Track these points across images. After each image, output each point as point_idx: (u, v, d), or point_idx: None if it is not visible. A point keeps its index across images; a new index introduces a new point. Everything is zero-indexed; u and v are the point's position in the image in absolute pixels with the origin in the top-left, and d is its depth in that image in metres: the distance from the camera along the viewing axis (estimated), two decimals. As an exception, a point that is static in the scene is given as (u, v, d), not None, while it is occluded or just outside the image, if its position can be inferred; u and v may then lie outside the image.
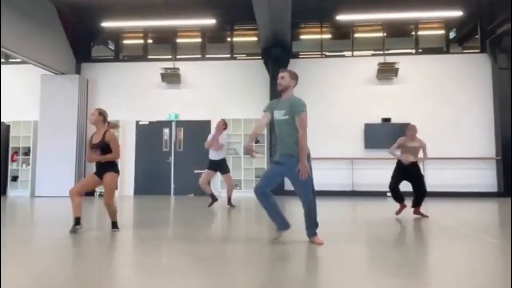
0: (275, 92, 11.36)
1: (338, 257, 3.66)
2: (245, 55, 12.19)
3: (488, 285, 2.83)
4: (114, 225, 5.00)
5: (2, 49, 8.90)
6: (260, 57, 11.59)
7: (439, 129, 10.88)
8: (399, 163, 6.66)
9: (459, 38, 11.75)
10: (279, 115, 4.31)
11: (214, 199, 7.91)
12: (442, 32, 11.63)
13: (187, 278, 2.95)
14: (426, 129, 10.85)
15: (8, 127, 11.54)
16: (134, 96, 11.78)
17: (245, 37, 12.45)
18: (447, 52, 11.54)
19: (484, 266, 3.39)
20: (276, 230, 4.30)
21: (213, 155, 7.83)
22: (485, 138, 10.75)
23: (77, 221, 4.81)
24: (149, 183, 11.43)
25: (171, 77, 11.53)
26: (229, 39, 12.19)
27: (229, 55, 12.04)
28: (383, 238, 4.71)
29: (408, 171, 6.57)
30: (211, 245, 4.16)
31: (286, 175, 4.18)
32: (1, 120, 11.23)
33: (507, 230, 5.57)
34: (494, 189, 10.54)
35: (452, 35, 11.63)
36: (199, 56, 12.07)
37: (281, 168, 4.14)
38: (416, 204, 6.48)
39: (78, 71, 11.85)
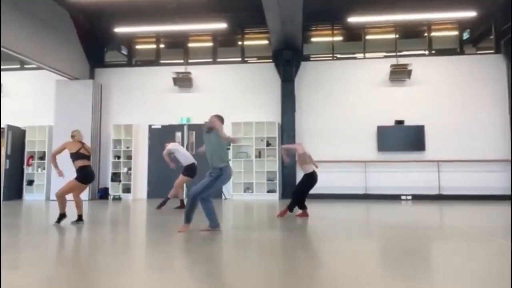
0: (287, 95, 11.49)
1: (353, 259, 3.62)
2: (256, 58, 12.21)
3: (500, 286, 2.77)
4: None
5: (18, 55, 9.07)
6: (271, 60, 11.60)
7: (453, 131, 10.73)
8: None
9: (473, 39, 11.59)
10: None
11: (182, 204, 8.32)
12: (455, 33, 11.49)
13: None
14: (440, 131, 10.76)
15: (23, 131, 11.74)
16: (146, 100, 11.89)
17: (256, 41, 12.48)
18: (461, 53, 11.39)
19: (497, 268, 3.32)
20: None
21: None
22: (500, 140, 10.57)
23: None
24: (162, 186, 11.47)
25: (183, 81, 11.61)
26: (240, 43, 12.23)
27: (240, 59, 12.07)
28: (396, 241, 4.64)
29: None
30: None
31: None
32: (17, 125, 11.44)
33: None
34: (509, 192, 10.33)
35: (465, 36, 11.48)
36: (211, 60, 12.14)
37: None
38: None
39: (91, 76, 12.01)
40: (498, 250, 4.14)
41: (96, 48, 12.21)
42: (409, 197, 10.54)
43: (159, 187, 11.52)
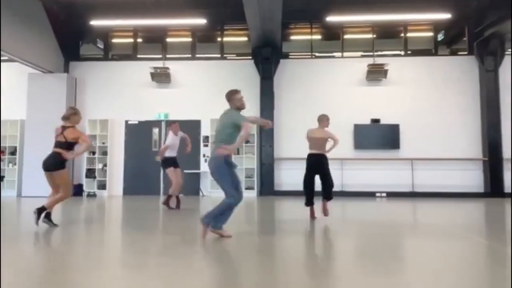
0: (266, 92, 11.52)
1: (328, 255, 3.67)
2: (235, 55, 12.17)
3: (475, 283, 2.86)
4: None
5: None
6: (250, 57, 11.58)
7: (427, 130, 10.99)
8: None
9: (448, 40, 11.90)
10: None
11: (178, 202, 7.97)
12: (430, 34, 11.76)
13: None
14: (414, 130, 11.01)
15: (-6, 126, 11.34)
16: (123, 95, 11.68)
17: (235, 37, 12.43)
18: (436, 54, 11.67)
19: (471, 265, 3.43)
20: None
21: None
22: (472, 139, 10.90)
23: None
24: (139, 183, 11.34)
25: (161, 77, 11.46)
26: (219, 39, 12.16)
27: (219, 55, 12.01)
28: (371, 239, 4.73)
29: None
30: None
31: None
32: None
33: (494, 230, 5.65)
34: (481, 189, 10.69)
35: (440, 37, 11.77)
36: (189, 55, 12.02)
37: None
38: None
39: (66, 69, 11.70)
40: (471, 247, 4.27)
41: (71, 40, 11.89)
42: (384, 194, 10.76)
43: (135, 183, 11.37)
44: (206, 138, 11.32)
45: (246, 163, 11.08)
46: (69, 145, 5.42)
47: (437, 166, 10.82)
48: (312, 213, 6.25)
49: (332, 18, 11.00)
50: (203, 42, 12.41)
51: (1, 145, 11.29)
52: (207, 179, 11.04)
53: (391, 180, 10.87)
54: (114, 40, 12.51)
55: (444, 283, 2.84)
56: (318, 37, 12.25)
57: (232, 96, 4.83)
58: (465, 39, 11.44)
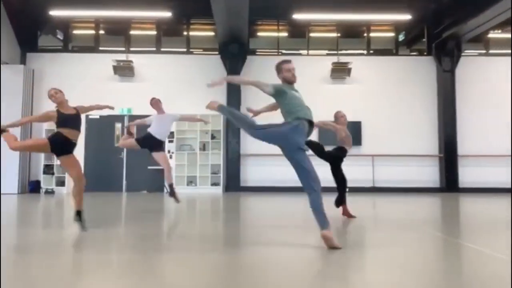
0: (232, 88, 11.45)
1: (288, 251, 3.73)
2: (202, 50, 12.05)
3: (434, 276, 3.00)
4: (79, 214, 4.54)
5: None
6: (217, 53, 11.51)
7: (387, 128, 11.36)
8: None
9: (408, 41, 12.34)
10: (299, 95, 4.43)
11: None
12: (392, 34, 12.14)
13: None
14: (376, 127, 11.36)
15: None
16: (84, 88, 11.25)
17: (202, 32, 12.31)
18: (397, 54, 12.07)
19: (426, 257, 3.59)
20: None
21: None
22: (430, 137, 11.38)
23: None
24: (100, 179, 11.00)
25: (124, 70, 11.16)
26: (185, 33, 12.00)
27: (185, 49, 11.85)
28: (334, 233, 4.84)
29: None
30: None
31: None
32: None
33: (450, 224, 5.94)
34: (437, 184, 11.20)
35: (401, 37, 12.18)
36: (154, 49, 11.78)
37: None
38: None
39: (23, 61, 11.16)
40: (426, 240, 4.47)
41: (29, 31, 11.34)
42: (346, 190, 11.00)
43: (96, 180, 11.01)
44: (171, 134, 11.13)
45: (212, 159, 11.02)
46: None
47: (397, 162, 11.22)
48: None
49: (298, 16, 11.13)
50: (169, 36, 12.20)
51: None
52: (172, 176, 10.88)
53: (353, 176, 11.10)
54: (75, 32, 12.05)
55: (400, 274, 2.96)
56: (285, 34, 12.35)
57: (280, 65, 4.30)
58: (424, 40, 11.90)
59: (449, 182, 11.00)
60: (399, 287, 2.64)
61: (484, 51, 11.96)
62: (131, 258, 3.40)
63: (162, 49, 11.78)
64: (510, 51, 11.76)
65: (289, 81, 4.23)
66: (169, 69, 11.48)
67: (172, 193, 6.75)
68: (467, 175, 11.05)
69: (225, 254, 3.64)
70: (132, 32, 11.88)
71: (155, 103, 7.35)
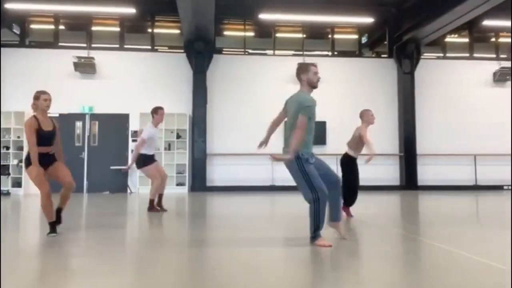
0: (198, 87, 11.34)
1: (252, 249, 3.74)
2: (167, 48, 11.87)
3: (394, 270, 3.10)
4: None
5: None
6: (182, 51, 11.36)
7: (350, 127, 11.55)
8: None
9: (370, 43, 12.70)
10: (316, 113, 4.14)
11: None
12: (355, 36, 12.45)
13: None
14: (340, 127, 11.58)
15: None
16: (42, 85, 10.52)
17: (167, 29, 12.11)
18: (360, 55, 12.40)
19: (388, 254, 3.71)
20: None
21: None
22: (391, 136, 11.76)
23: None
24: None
25: (85, 67, 10.79)
26: (150, 30, 11.76)
27: (149, 47, 11.61)
28: (298, 231, 4.90)
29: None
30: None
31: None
32: None
33: (409, 220, 6.17)
34: (398, 182, 11.60)
35: (364, 40, 12.52)
36: (117, 46, 11.47)
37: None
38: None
39: (-26, 55, 10.54)
40: (390, 237, 4.61)
41: (-20, 23, 10.71)
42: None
43: (55, 181, 10.59)
44: (135, 133, 10.89)
45: (178, 159, 10.86)
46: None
47: (359, 161, 11.49)
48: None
49: (265, 16, 11.19)
50: (132, 33, 11.92)
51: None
52: (136, 176, 10.65)
53: (319, 175, 11.35)
54: (33, 26, 11.53)
55: (360, 269, 3.04)
56: (251, 34, 12.38)
57: (309, 66, 4.02)
58: (385, 42, 12.28)
59: (409, 180, 11.42)
60: (360, 282, 2.71)
61: (441, 55, 12.51)
62: (90, 262, 3.29)
63: (126, 46, 11.49)
64: (467, 55, 12.41)
65: (313, 85, 4.08)
66: (133, 67, 11.21)
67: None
68: (425, 173, 11.51)
69: (190, 255, 3.59)
70: (94, 28, 11.51)
71: (162, 115, 6.48)
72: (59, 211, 4.48)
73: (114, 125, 10.93)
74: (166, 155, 10.84)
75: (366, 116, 6.18)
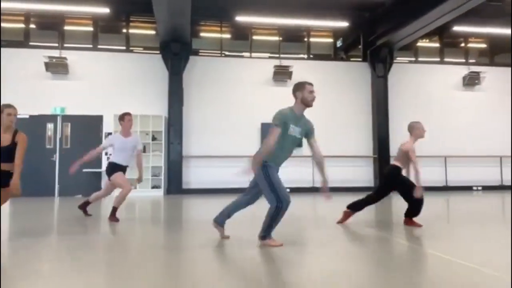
0: (174, 88, 11.24)
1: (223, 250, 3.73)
2: (142, 49, 11.71)
3: (366, 269, 3.16)
4: None
5: None
6: (158, 52, 11.24)
7: (325, 129, 11.78)
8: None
9: (345, 47, 12.92)
10: (296, 132, 4.01)
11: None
12: (330, 40, 12.64)
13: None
14: (316, 129, 11.72)
15: None
16: (11, 86, 10.41)
17: (142, 30, 11.95)
18: (335, 59, 12.59)
19: (362, 253, 3.78)
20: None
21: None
22: (365, 138, 11.99)
23: None
24: (30, 183, 10.23)
25: (57, 67, 10.52)
26: (124, 30, 11.58)
27: (124, 47, 11.43)
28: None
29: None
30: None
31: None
32: None
33: (383, 221, 6.30)
34: (371, 184, 11.82)
35: (339, 44, 12.73)
36: (91, 46, 11.24)
37: None
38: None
39: None
40: (364, 237, 4.69)
41: None
42: (288, 190, 11.24)
43: (26, 184, 10.20)
44: (109, 134, 10.68)
45: (153, 161, 10.72)
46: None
47: (334, 163, 11.64)
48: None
49: (241, 18, 11.21)
50: (106, 33, 11.71)
51: None
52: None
53: (294, 176, 11.44)
54: (2, 24, 11.11)
55: (340, 268, 3.09)
56: (228, 36, 12.37)
57: (304, 84, 4.08)
58: (360, 47, 12.52)
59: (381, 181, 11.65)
60: (332, 281, 2.75)
61: (413, 59, 12.86)
62: (58, 268, 3.20)
63: (100, 46, 11.27)
64: (438, 59, 12.79)
65: (307, 104, 4.05)
66: (107, 67, 11.01)
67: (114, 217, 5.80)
68: (398, 175, 11.77)
69: (165, 260, 3.55)
70: (67, 27, 11.24)
71: (130, 121, 5.91)
72: None
73: (87, 127, 10.69)
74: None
75: (416, 130, 5.42)
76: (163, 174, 10.73)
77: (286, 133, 3.85)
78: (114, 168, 5.85)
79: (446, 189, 11.83)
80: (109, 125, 10.58)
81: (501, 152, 11.95)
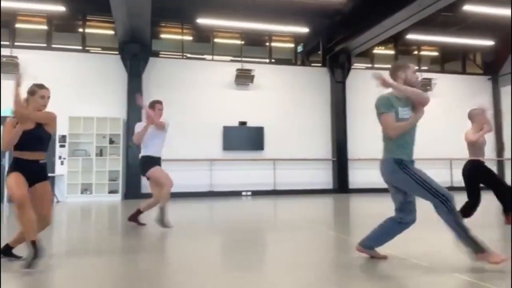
0: (134, 90, 10.99)
1: (193, 254, 3.69)
2: (100, 49, 11.36)
3: (326, 269, 3.23)
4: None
5: None
6: (117, 52, 10.95)
7: (287, 133, 11.96)
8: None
9: (306, 52, 13.17)
10: (405, 113, 3.41)
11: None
12: (291, 45, 12.85)
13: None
14: (277, 132, 11.88)
15: None
16: (-45, 85, 9.81)
17: (99, 29, 11.60)
18: (295, 64, 12.81)
19: (320, 253, 3.85)
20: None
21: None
22: (324, 142, 12.26)
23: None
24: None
25: (8, 66, 9.97)
26: (81, 30, 11.19)
27: (81, 47, 11.05)
28: (234, 235, 4.93)
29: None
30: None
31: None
32: None
33: (340, 223, 6.46)
34: (330, 186, 12.10)
35: (300, 49, 12.96)
36: (44, 45, 10.77)
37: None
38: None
39: None
40: (322, 238, 4.79)
41: None
42: (249, 193, 11.34)
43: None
44: (63, 138, 10.28)
45: (110, 165, 10.40)
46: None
47: (296, 166, 11.87)
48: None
49: (203, 21, 11.14)
50: (62, 32, 11.27)
51: None
52: (63, 183, 10.06)
53: (256, 179, 11.52)
54: None
55: (297, 271, 3.13)
56: (189, 38, 12.27)
57: (406, 64, 3.58)
58: (319, 52, 12.81)
59: (341, 183, 11.97)
60: (291, 282, 2.79)
61: (370, 65, 13.32)
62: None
63: (54, 46, 10.82)
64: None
65: (412, 85, 3.50)
66: (62, 68, 10.58)
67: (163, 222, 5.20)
68: (356, 177, 12.14)
69: (121, 264, 3.46)
70: (18, 25, 10.71)
71: (160, 110, 5.53)
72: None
73: (40, 129, 10.20)
74: (97, 161, 10.34)
75: (477, 116, 5.02)
76: (120, 179, 10.44)
77: (398, 118, 3.36)
78: (148, 162, 5.28)
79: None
80: (63, 127, 10.17)
81: (451, 155, 12.60)
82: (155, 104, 5.48)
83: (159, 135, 5.46)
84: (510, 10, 9.81)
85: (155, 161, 5.35)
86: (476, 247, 2.97)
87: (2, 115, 10.01)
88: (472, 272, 2.94)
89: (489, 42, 12.92)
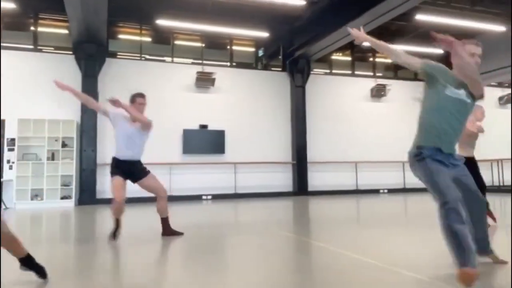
0: (88, 92, 10.41)
1: (150, 259, 3.60)
2: (53, 48, 10.87)
3: (283, 274, 3.25)
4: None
5: None
6: (71, 52, 10.53)
7: (247, 136, 12.00)
8: None
9: (266, 57, 13.31)
10: (461, 94, 2.84)
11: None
12: (252, 49, 12.93)
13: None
14: (237, 136, 11.89)
15: None
16: None
17: (53, 28, 11.11)
18: (256, 68, 12.91)
19: (279, 255, 3.88)
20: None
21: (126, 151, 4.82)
22: (284, 145, 12.41)
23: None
24: None
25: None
26: (32, 28, 10.66)
27: (32, 46, 10.52)
28: (193, 240, 4.86)
29: None
30: None
31: None
32: None
33: (300, 225, 6.54)
34: (290, 189, 12.26)
35: (260, 53, 13.07)
36: (-9, 43, 10.15)
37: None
38: None
39: None
40: (282, 241, 4.82)
41: None
42: (209, 197, 11.25)
43: None
44: (12, 141, 9.72)
45: (63, 169, 9.95)
46: None
47: (256, 169, 11.92)
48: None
49: (162, 22, 10.97)
50: (11, 30, 10.69)
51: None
52: (12, 189, 9.51)
53: (216, 183, 11.45)
54: None
55: (257, 274, 3.14)
56: (148, 39, 12.03)
57: (464, 44, 2.97)
58: (280, 57, 12.98)
59: (300, 186, 12.16)
60: (251, 285, 2.79)
61: (328, 71, 13.67)
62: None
63: (3, 44, 10.22)
64: (349, 72, 13.73)
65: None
66: (11, 67, 10.00)
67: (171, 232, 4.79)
68: (315, 179, 12.38)
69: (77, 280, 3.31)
70: (-39, 20, 10.03)
71: (141, 104, 4.84)
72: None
73: (-14, 132, 9.60)
74: (49, 165, 9.86)
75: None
76: (74, 184, 10.01)
77: (443, 92, 2.86)
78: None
79: (356, 192, 12.68)
80: (12, 130, 9.64)
81: (404, 158, 13.18)
82: (136, 98, 4.77)
83: (141, 136, 4.91)
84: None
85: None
86: (461, 261, 2.45)
87: None
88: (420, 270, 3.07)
89: (438, 51, 13.65)
